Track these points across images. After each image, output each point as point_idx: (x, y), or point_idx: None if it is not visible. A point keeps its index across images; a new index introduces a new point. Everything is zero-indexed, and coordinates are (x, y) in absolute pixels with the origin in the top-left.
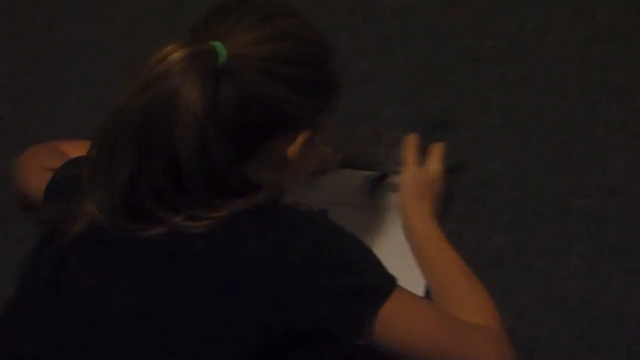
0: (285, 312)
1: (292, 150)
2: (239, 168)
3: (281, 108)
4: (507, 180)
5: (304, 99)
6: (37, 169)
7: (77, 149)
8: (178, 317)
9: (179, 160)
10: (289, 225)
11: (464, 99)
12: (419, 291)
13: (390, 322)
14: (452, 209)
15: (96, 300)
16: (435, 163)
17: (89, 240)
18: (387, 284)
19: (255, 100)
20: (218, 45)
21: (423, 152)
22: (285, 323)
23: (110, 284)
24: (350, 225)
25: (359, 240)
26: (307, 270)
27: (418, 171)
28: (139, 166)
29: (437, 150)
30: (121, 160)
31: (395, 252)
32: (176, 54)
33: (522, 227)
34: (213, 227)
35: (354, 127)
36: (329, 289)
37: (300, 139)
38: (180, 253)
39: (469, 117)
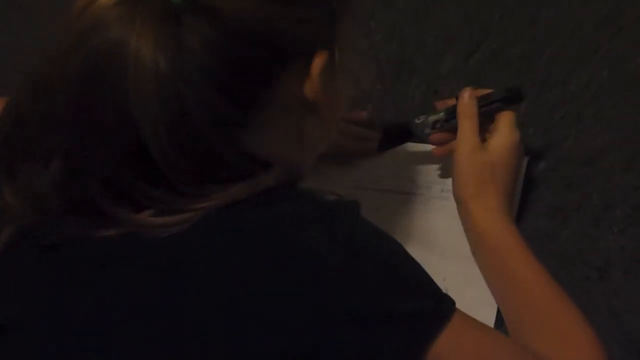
0: (311, 338)
1: (310, 87)
2: (233, 135)
3: (274, 32)
4: (617, 160)
5: (302, 9)
6: None
7: None
8: (173, 349)
9: (143, 136)
10: (313, 222)
11: (556, 43)
12: (489, 317)
13: (448, 356)
14: (539, 199)
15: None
16: (503, 137)
17: (25, 248)
18: (443, 306)
19: (235, 32)
20: None
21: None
22: (310, 352)
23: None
24: (391, 219)
25: (401, 246)
26: (341, 289)
27: (476, 149)
28: (78, 146)
29: (506, 118)
30: (51, 137)
31: (455, 259)
32: None
33: None
34: (201, 224)
35: (401, 83)
36: (370, 312)
37: (316, 67)
38: (155, 261)
39: (561, 71)
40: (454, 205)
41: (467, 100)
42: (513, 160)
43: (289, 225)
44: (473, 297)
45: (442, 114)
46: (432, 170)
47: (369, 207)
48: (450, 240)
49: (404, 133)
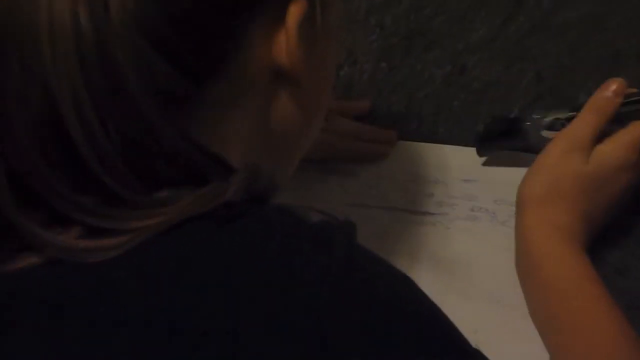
0: None
1: (286, 48)
2: (181, 115)
3: None
4: None
5: None
6: None
7: None
8: None
9: (61, 114)
10: (289, 254)
11: None
12: None
13: None
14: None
15: None
16: (620, 149)
17: None
18: None
19: None
20: None
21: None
22: None
23: None
24: (400, 247)
25: (413, 284)
26: (325, 348)
27: (577, 150)
28: None
29: (637, 129)
30: None
31: (491, 302)
32: None
33: None
34: (136, 253)
35: (414, 59)
36: None
37: (293, 18)
38: (80, 306)
39: None
40: (487, 227)
41: (606, 94)
42: (616, 185)
43: (257, 256)
44: (515, 356)
45: (567, 112)
46: (458, 183)
47: (371, 232)
48: (482, 276)
49: (504, 135)
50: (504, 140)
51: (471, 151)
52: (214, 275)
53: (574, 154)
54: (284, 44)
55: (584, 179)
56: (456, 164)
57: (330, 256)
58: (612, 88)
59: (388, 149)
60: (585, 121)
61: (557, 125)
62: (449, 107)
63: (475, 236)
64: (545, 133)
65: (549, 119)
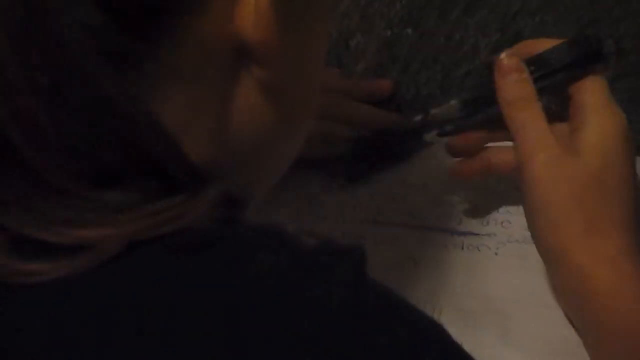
0: None
1: (254, 16)
2: (130, 76)
3: None
4: None
5: None
6: None
7: None
8: None
9: None
10: (273, 291)
11: None
12: None
13: None
14: None
15: None
16: (600, 126)
17: None
18: None
19: None
20: None
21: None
22: None
23: None
24: (425, 280)
25: (439, 327)
26: None
27: (559, 154)
28: None
29: (592, 94)
30: None
31: (542, 354)
32: None
33: None
34: (92, 279)
35: (439, 24)
36: None
37: None
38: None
39: None
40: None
41: (508, 71)
42: (626, 162)
43: (233, 301)
44: None
45: (468, 96)
46: (511, 192)
47: (390, 260)
48: (540, 321)
49: (400, 138)
50: (380, 161)
51: None
52: (177, 328)
53: (560, 162)
54: (252, 11)
55: (597, 183)
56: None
57: (328, 297)
58: (506, 62)
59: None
60: (522, 120)
61: (461, 116)
62: None
63: (533, 264)
64: (431, 138)
65: (447, 110)
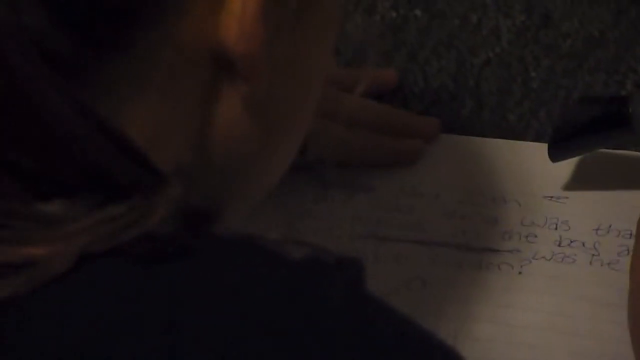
0: None
1: (239, 25)
2: (76, 84)
3: None
4: None
5: None
6: None
7: None
8: None
9: None
10: (251, 317)
11: None
12: None
13: None
14: None
15: None
16: None
17: None
18: None
19: None
20: None
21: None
22: None
23: None
24: (434, 301)
25: (453, 353)
26: None
27: None
28: None
29: None
30: None
31: None
32: None
33: None
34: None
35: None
36: None
37: None
38: None
39: None
40: (584, 272)
41: None
42: None
43: (204, 320)
44: None
45: None
46: (538, 201)
47: (396, 278)
48: (574, 349)
49: (615, 120)
50: (595, 135)
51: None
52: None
53: None
54: (236, 20)
55: None
56: (535, 171)
57: (318, 315)
58: None
59: (424, 147)
60: None
61: None
62: (523, 80)
63: (564, 286)
64: None
65: None
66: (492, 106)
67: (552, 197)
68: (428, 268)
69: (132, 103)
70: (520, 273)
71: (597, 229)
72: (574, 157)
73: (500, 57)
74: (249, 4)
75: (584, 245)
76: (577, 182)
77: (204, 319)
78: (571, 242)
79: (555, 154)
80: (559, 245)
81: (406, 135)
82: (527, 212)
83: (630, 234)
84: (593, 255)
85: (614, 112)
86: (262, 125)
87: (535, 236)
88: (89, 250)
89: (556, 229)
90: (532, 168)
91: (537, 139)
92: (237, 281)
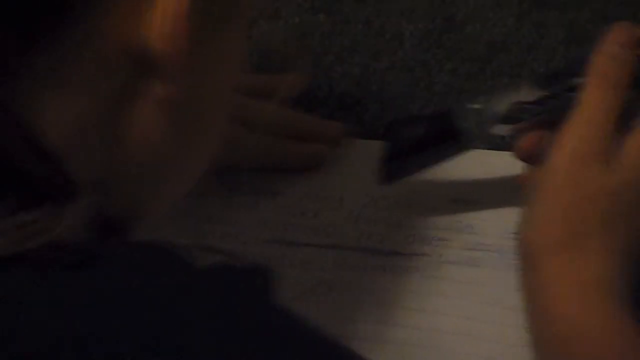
0: None
1: (161, 23)
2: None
3: None
4: None
5: None
6: None
7: None
8: None
9: None
10: (158, 323)
11: None
12: None
13: None
14: None
15: None
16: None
17: None
18: None
19: None
20: None
21: None
22: None
23: None
24: (345, 310)
25: None
26: None
27: (593, 157)
28: None
29: None
30: None
31: None
32: None
33: None
34: None
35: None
36: None
37: None
38: None
39: None
40: (494, 276)
41: (612, 49)
42: None
43: (110, 327)
44: None
45: (544, 90)
46: (446, 204)
47: (303, 283)
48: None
49: (441, 136)
50: (424, 153)
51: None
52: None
53: (590, 162)
54: (159, 19)
55: (614, 198)
56: (441, 174)
57: (226, 319)
58: (617, 39)
59: (328, 151)
60: (595, 101)
61: (517, 113)
62: (427, 82)
63: (476, 291)
64: (499, 129)
65: (501, 105)
66: (396, 110)
67: (458, 200)
68: (334, 272)
69: (50, 102)
70: (432, 277)
71: (504, 233)
72: (406, 177)
73: (403, 62)
74: (175, 4)
75: (492, 249)
76: (485, 185)
77: (105, 326)
78: (482, 245)
79: (387, 176)
80: (470, 250)
81: (311, 139)
82: (434, 216)
83: None
84: (502, 259)
85: (439, 128)
86: (178, 127)
87: (443, 240)
88: None
89: (464, 232)
90: (438, 171)
91: None
92: (146, 287)
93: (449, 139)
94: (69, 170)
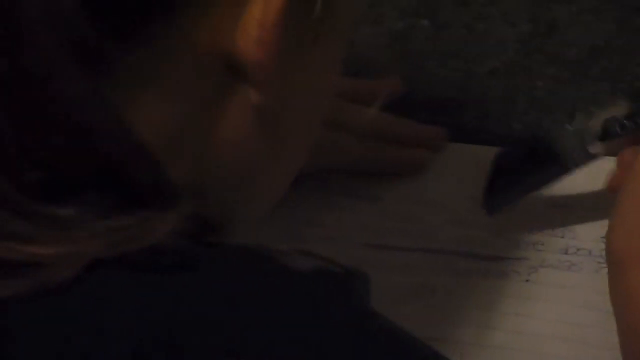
0: None
1: (258, 34)
2: (99, 77)
3: None
4: None
5: None
6: None
7: None
8: None
9: None
10: (258, 328)
11: None
12: None
13: None
14: None
15: None
16: None
17: None
18: None
19: None
20: None
21: None
22: None
23: None
24: (443, 315)
25: None
26: None
27: None
28: None
29: None
30: None
31: None
32: None
33: None
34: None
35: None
36: None
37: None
38: None
39: None
40: (591, 279)
41: None
42: None
43: (211, 330)
44: None
45: (627, 102)
46: (543, 209)
47: (401, 288)
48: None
49: (542, 161)
50: (527, 179)
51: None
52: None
53: None
54: (255, 27)
55: None
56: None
57: (323, 326)
58: None
59: (430, 156)
60: None
61: (614, 128)
62: (529, 89)
63: (571, 294)
64: (595, 147)
65: (596, 122)
66: (498, 115)
67: (558, 205)
68: (435, 276)
69: (146, 100)
70: (527, 281)
71: (604, 237)
72: (512, 205)
73: (506, 66)
74: (270, 11)
75: (590, 253)
76: (584, 190)
77: (206, 329)
78: (578, 250)
79: (493, 208)
80: (566, 254)
81: (412, 144)
82: (534, 221)
83: None
84: (599, 263)
85: (540, 154)
86: (270, 134)
87: (543, 244)
88: (96, 257)
89: (563, 237)
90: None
91: None
92: (243, 292)
93: (551, 164)
94: (169, 177)
